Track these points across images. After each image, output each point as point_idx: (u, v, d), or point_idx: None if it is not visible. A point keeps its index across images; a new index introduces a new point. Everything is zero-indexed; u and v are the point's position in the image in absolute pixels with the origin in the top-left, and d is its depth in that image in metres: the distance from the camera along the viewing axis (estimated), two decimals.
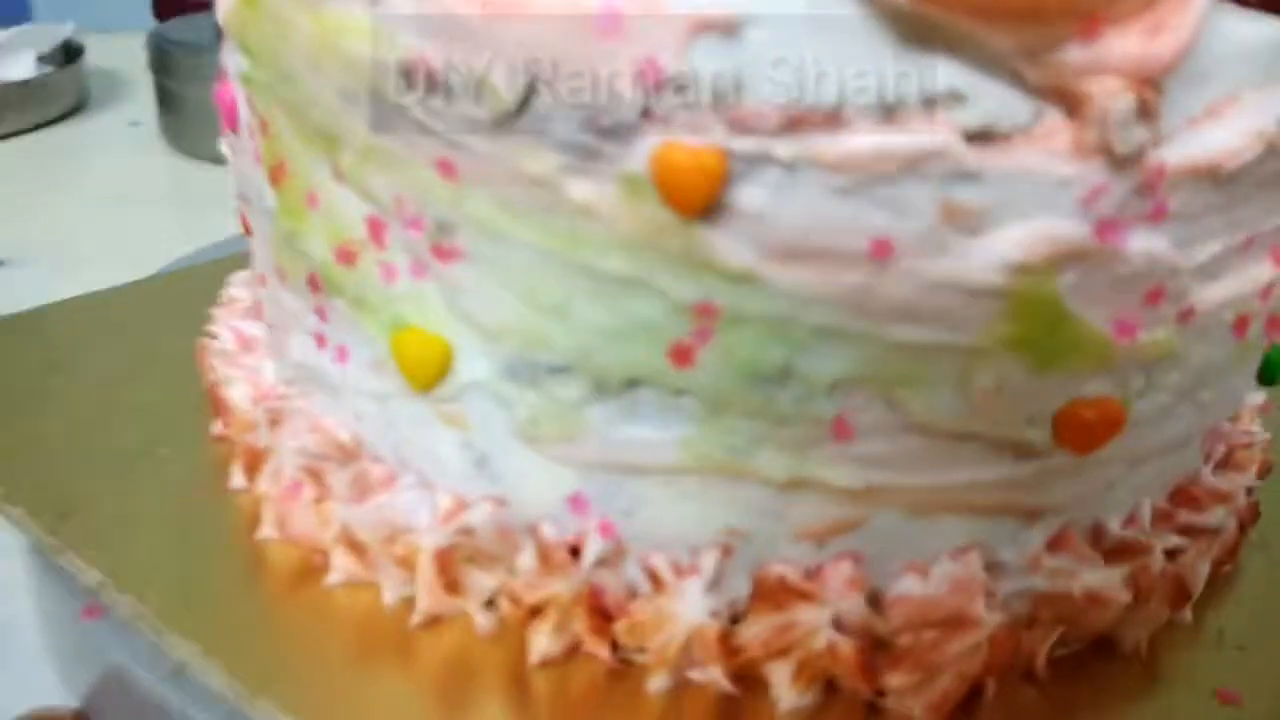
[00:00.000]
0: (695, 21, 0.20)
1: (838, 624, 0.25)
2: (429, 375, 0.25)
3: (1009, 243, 0.21)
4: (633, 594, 0.26)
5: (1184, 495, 0.29)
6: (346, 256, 0.26)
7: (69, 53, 0.90)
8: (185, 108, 0.76)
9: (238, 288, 0.38)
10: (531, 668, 0.26)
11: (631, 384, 0.23)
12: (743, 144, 0.20)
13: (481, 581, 0.27)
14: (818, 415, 0.23)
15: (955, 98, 0.20)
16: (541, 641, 0.26)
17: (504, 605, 0.26)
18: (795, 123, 0.20)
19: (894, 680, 0.25)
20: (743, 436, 0.23)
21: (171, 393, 0.36)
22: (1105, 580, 0.26)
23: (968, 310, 0.22)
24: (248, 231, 0.37)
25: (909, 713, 0.25)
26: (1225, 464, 0.31)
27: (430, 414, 0.26)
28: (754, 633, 0.25)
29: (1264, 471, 0.32)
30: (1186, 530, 0.28)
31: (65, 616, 0.28)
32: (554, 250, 0.23)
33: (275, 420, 0.30)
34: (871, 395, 0.23)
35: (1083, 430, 0.24)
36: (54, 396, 0.36)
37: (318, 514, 0.28)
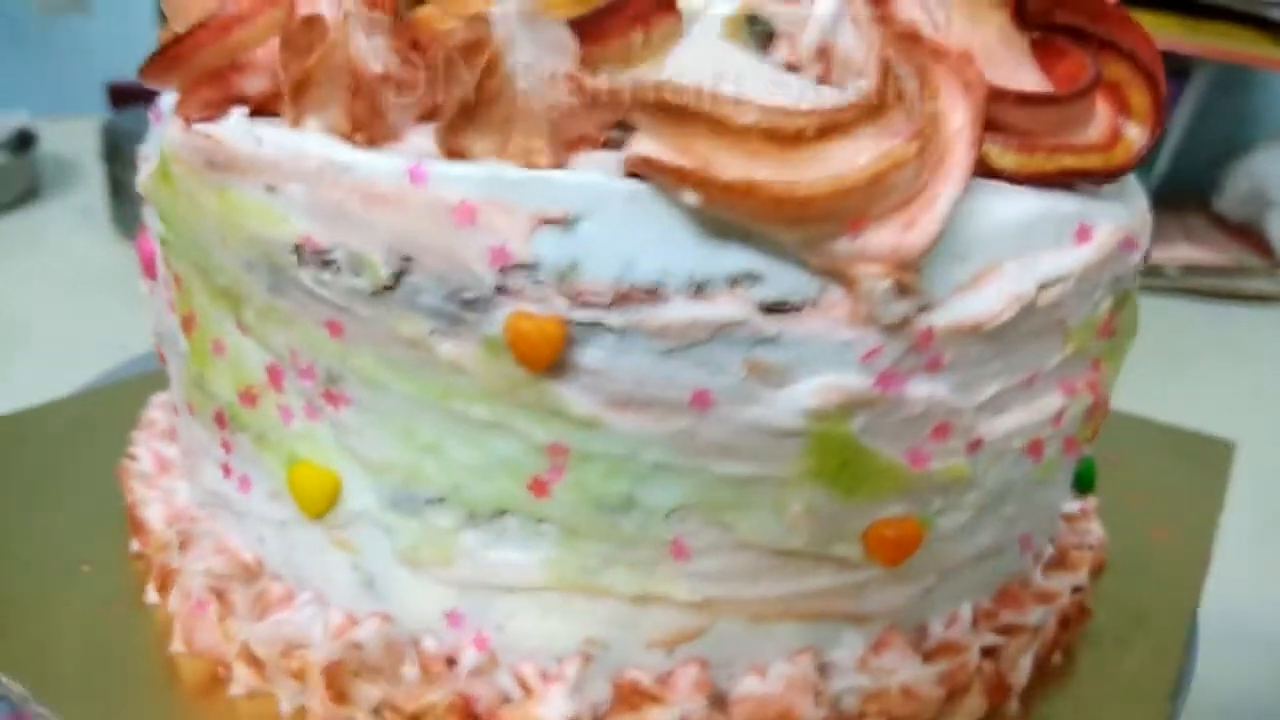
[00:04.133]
0: (536, 216, 0.24)
1: None
2: (320, 505, 0.29)
3: (806, 393, 0.25)
4: (506, 700, 0.29)
5: (1009, 596, 0.33)
6: (249, 399, 0.29)
7: (23, 140, 0.91)
8: (137, 197, 0.79)
9: (156, 410, 0.41)
10: None
11: (499, 512, 0.27)
12: (581, 314, 0.24)
13: (368, 693, 0.29)
14: (658, 538, 0.27)
15: (752, 277, 0.24)
16: None
17: (388, 715, 0.29)
18: (623, 298, 0.24)
19: None
20: (595, 558, 0.27)
21: (97, 511, 0.39)
22: (919, 677, 0.29)
23: (775, 448, 0.26)
24: (164, 361, 0.40)
25: None
26: (1057, 564, 0.35)
27: (324, 539, 0.29)
28: None
29: (1096, 569, 0.36)
30: (1008, 629, 0.32)
31: None
32: (428, 399, 0.26)
33: (185, 542, 0.32)
34: (704, 520, 0.26)
35: (887, 546, 0.28)
36: None
37: (221, 630, 0.31)
